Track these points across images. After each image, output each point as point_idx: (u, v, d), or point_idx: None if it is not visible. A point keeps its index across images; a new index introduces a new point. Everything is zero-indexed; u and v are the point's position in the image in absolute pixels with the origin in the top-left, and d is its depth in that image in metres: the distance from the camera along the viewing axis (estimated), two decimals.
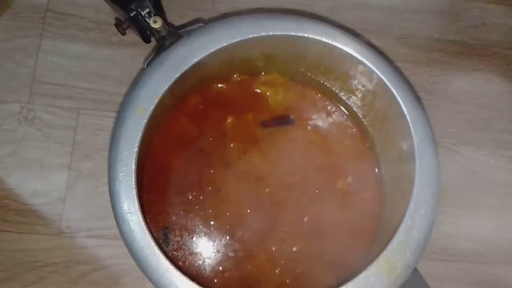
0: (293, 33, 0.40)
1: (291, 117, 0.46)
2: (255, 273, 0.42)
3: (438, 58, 0.55)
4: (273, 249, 0.43)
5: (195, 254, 0.42)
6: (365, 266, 0.38)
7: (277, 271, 0.43)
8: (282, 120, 0.46)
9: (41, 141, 0.47)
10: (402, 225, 0.38)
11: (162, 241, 0.42)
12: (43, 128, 0.48)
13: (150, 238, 0.36)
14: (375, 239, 0.43)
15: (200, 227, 0.43)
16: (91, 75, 0.49)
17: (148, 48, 0.49)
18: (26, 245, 0.45)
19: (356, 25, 0.54)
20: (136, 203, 0.36)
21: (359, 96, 0.45)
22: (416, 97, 0.41)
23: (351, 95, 0.46)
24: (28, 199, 0.46)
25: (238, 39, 0.40)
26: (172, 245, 0.42)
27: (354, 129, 0.47)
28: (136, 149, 0.37)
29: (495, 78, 0.56)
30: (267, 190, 0.44)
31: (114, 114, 0.48)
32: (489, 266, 0.50)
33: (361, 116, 0.47)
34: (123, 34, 0.46)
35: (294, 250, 0.43)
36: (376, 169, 0.46)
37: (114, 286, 0.45)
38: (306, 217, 0.44)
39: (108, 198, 0.46)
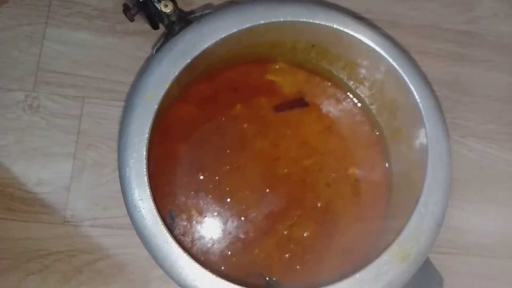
0: (304, 20, 0.40)
1: (305, 99, 0.46)
2: (263, 258, 0.42)
3: (448, 48, 0.54)
4: (285, 233, 0.43)
5: (203, 238, 0.42)
6: (376, 253, 0.37)
7: (286, 256, 0.42)
8: (296, 102, 0.46)
9: (45, 130, 0.47)
10: (415, 213, 0.37)
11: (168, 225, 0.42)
12: (48, 116, 0.47)
13: (162, 225, 0.36)
14: (384, 226, 0.43)
15: (213, 206, 0.43)
16: (95, 64, 0.49)
17: (153, 37, 0.49)
18: (31, 234, 0.45)
19: (363, 14, 0.53)
20: (148, 190, 0.36)
21: (367, 85, 0.45)
22: (427, 84, 0.40)
23: (358, 84, 0.46)
24: (32, 188, 0.46)
25: (249, 26, 0.39)
26: (179, 229, 0.42)
27: (363, 117, 0.47)
28: (147, 135, 0.37)
29: (506, 70, 0.55)
30: (285, 170, 0.44)
31: (119, 103, 0.48)
32: (496, 260, 0.50)
33: (369, 105, 0.46)
34: (132, 20, 0.45)
35: (305, 235, 0.43)
36: (385, 157, 0.46)
37: (119, 275, 0.45)
38: (319, 203, 0.44)
39: (113, 187, 0.46)
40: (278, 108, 0.46)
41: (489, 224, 0.51)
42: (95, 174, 0.46)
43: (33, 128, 0.47)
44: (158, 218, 0.36)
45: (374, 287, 0.36)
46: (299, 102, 0.46)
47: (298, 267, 0.42)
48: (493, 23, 0.56)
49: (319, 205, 0.44)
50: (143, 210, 0.36)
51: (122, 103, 0.48)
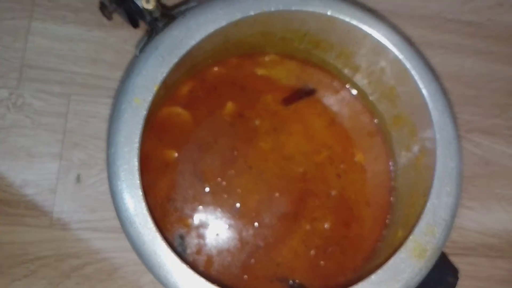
0: (296, 8, 0.38)
1: (310, 87, 0.45)
2: (290, 259, 0.41)
3: (451, 40, 0.52)
4: (307, 228, 0.42)
5: (219, 252, 0.41)
6: (386, 243, 0.37)
7: (311, 252, 0.41)
8: (302, 92, 0.45)
9: (30, 129, 0.45)
10: (429, 205, 0.36)
11: (178, 246, 0.40)
12: (33, 115, 0.45)
13: (162, 241, 0.33)
14: (392, 213, 0.43)
15: (225, 216, 0.41)
16: (82, 59, 0.47)
17: (142, 30, 0.47)
18: (16, 238, 0.43)
19: (362, 3, 0.51)
20: (143, 203, 0.34)
21: (364, 73, 0.43)
22: (429, 68, 0.39)
23: (355, 73, 0.44)
24: (17, 190, 0.44)
25: (239, 17, 0.37)
26: (191, 248, 0.40)
27: (361, 106, 0.45)
28: (137, 144, 0.34)
29: None
30: (300, 170, 0.43)
31: (107, 100, 0.46)
32: (504, 261, 0.48)
33: (367, 93, 0.45)
34: (110, 19, 0.43)
35: (325, 227, 0.42)
36: (387, 145, 0.44)
37: (108, 280, 0.43)
38: (333, 191, 0.43)
39: (102, 188, 0.45)
40: (287, 101, 0.44)
41: (496, 223, 0.49)
42: (83, 174, 0.45)
43: (18, 127, 0.45)
44: (157, 233, 0.33)
45: (392, 287, 0.34)
46: (306, 91, 0.45)
47: (322, 262, 0.41)
48: (498, 13, 0.54)
49: (333, 193, 0.43)
50: (139, 226, 0.33)
51: (110, 100, 0.46)
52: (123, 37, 0.47)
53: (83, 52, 0.47)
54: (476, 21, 0.53)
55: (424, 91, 0.38)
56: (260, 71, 0.45)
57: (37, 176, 0.44)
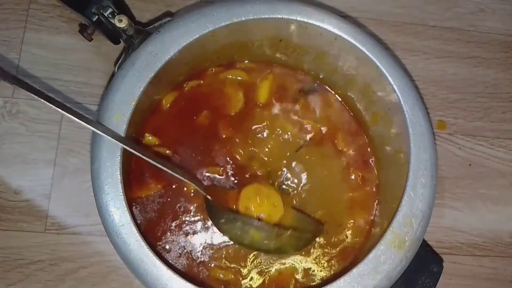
0: (266, 16, 0.39)
1: (315, 84, 0.46)
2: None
3: (434, 45, 0.54)
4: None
5: (200, 251, 0.42)
6: (374, 238, 0.37)
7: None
8: (284, 98, 0.45)
9: (25, 136, 0.46)
10: (405, 197, 0.37)
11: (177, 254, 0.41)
12: (27, 122, 0.46)
13: (148, 249, 0.35)
14: (378, 210, 0.43)
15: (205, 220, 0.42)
16: (75, 68, 0.48)
17: None
18: (11, 243, 0.44)
19: (348, 13, 0.52)
20: (128, 214, 0.35)
21: (341, 73, 0.44)
22: (399, 65, 0.40)
23: (332, 74, 0.45)
24: (12, 196, 0.45)
25: (210, 29, 0.38)
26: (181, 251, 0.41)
27: (342, 106, 0.46)
28: (119, 158, 0.36)
29: (494, 66, 0.54)
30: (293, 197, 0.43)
31: None
32: (488, 259, 0.49)
33: (346, 92, 0.46)
34: (90, 39, 0.44)
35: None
36: (370, 144, 0.45)
37: (102, 284, 0.44)
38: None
39: None
40: (266, 107, 0.44)
41: (480, 222, 0.50)
42: (76, 180, 0.45)
43: (13, 135, 0.46)
44: (143, 242, 0.35)
45: (374, 278, 0.35)
46: (312, 88, 0.46)
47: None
48: (479, 19, 0.55)
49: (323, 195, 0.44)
50: (125, 236, 0.35)
51: None
52: (115, 46, 0.48)
53: (77, 61, 0.48)
54: (459, 27, 0.55)
55: (395, 86, 0.39)
56: (240, 78, 0.45)
57: (32, 182, 0.45)
